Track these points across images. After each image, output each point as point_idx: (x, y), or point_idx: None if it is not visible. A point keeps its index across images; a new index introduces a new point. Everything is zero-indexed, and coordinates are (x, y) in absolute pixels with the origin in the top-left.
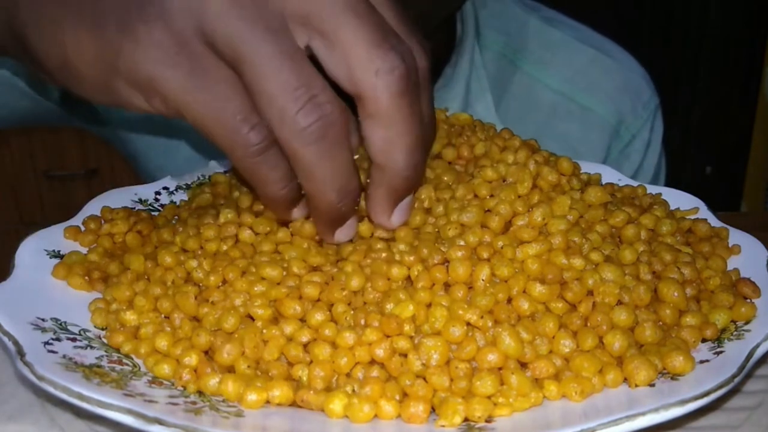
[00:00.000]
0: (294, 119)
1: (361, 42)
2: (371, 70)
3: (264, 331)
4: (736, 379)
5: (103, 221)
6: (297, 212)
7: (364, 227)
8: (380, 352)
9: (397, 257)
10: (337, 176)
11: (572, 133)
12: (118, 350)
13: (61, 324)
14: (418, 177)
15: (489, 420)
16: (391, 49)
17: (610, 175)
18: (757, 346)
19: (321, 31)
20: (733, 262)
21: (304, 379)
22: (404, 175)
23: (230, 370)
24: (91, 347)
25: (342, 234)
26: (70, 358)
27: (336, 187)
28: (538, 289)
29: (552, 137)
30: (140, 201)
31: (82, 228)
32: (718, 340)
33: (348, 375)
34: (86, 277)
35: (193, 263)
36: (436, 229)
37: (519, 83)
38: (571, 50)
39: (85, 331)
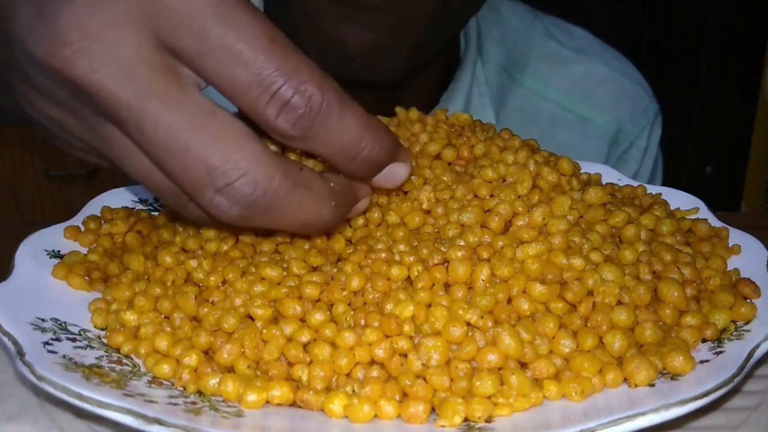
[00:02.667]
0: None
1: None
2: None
3: (264, 331)
4: (736, 379)
5: (103, 221)
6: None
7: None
8: (380, 353)
9: (397, 257)
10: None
11: (570, 143)
12: (118, 350)
13: (61, 324)
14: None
15: (489, 420)
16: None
17: (610, 175)
18: (757, 346)
19: None
20: (733, 262)
21: (304, 379)
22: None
23: (230, 370)
24: (91, 347)
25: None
26: (70, 358)
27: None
28: (538, 289)
29: (550, 147)
30: (140, 201)
31: (82, 228)
32: (718, 340)
33: (348, 375)
34: (86, 277)
35: (193, 263)
36: (436, 229)
37: (518, 96)
38: (568, 62)
39: (85, 331)
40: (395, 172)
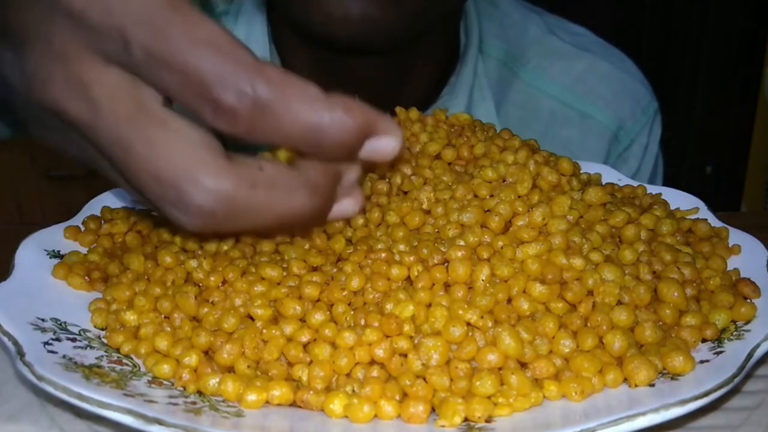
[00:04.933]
0: None
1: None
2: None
3: (264, 331)
4: (736, 379)
5: (103, 221)
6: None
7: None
8: (380, 352)
9: (397, 257)
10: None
11: (572, 140)
12: (118, 350)
13: (61, 324)
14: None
15: (489, 420)
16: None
17: (610, 175)
18: (757, 346)
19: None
20: (733, 262)
21: (304, 379)
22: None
23: (230, 370)
24: (91, 347)
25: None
26: (70, 359)
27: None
28: (538, 289)
29: (552, 144)
30: None
31: (82, 228)
32: (718, 340)
33: (348, 375)
34: (86, 277)
35: (193, 263)
36: (436, 230)
37: (518, 91)
38: (569, 58)
39: (85, 331)
40: (379, 146)
